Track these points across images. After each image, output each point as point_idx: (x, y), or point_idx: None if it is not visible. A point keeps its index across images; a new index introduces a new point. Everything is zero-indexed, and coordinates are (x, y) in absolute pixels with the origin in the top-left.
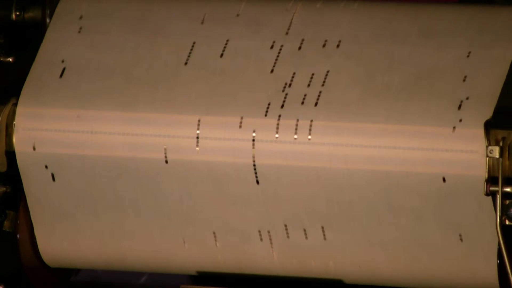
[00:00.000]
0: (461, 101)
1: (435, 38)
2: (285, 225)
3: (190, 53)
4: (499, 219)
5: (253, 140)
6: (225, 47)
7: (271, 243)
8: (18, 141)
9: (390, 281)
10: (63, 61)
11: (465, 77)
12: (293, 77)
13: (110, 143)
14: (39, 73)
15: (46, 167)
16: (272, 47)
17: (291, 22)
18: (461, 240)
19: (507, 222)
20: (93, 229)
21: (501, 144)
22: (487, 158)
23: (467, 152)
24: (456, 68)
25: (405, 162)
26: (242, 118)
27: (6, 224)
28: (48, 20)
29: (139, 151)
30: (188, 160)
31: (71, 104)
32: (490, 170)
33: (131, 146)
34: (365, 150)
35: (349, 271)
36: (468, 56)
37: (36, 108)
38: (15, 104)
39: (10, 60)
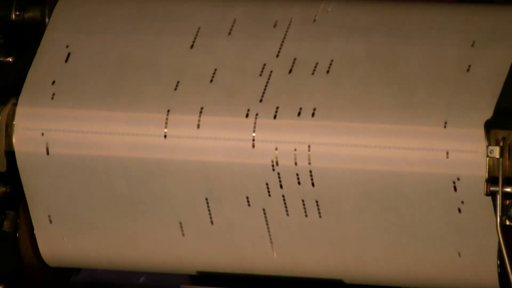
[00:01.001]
0: (462, 101)
1: (434, 38)
2: (284, 199)
3: (166, 123)
4: (499, 219)
5: (265, 214)
6: (200, 116)
7: (266, 221)
8: (18, 141)
9: (390, 281)
10: (61, 63)
11: (465, 77)
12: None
13: (110, 143)
14: (39, 73)
15: (46, 166)
16: (247, 115)
17: (265, 89)
18: (461, 240)
19: (507, 222)
20: (93, 229)
21: (501, 144)
22: (487, 158)
23: (467, 152)
24: (456, 68)
25: (405, 162)
26: (248, 198)
27: (6, 224)
28: (47, 20)
29: (139, 151)
30: (187, 160)
31: (71, 104)
32: (490, 170)
33: (131, 146)
34: (365, 150)
35: (349, 271)
36: (468, 55)
37: (36, 108)
38: (15, 104)
39: (10, 60)
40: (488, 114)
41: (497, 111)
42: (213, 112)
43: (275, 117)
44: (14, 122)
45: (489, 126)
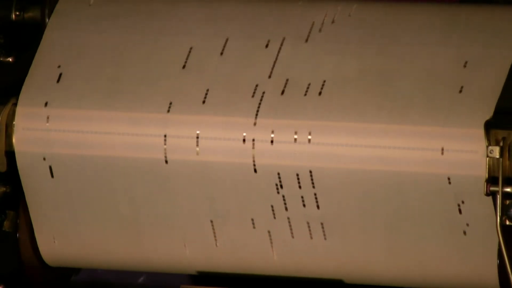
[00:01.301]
0: (461, 101)
1: (433, 38)
2: (289, 221)
3: (165, 148)
4: (499, 219)
5: (270, 237)
6: (197, 143)
7: (271, 243)
8: (18, 141)
9: (390, 281)
10: (60, 65)
11: (465, 77)
12: (279, 177)
13: (110, 143)
14: (39, 73)
15: (46, 166)
16: (244, 140)
17: (258, 110)
18: (461, 240)
19: (507, 222)
20: (93, 229)
21: (501, 144)
22: (487, 158)
23: (467, 152)
24: (456, 68)
25: (405, 162)
26: (253, 220)
27: (6, 224)
28: (47, 20)
29: (139, 151)
30: (188, 160)
31: (71, 104)
32: (490, 170)
33: (131, 146)
34: (365, 150)
35: (349, 271)
36: (468, 55)
37: (36, 108)
38: (15, 104)
39: (10, 60)
40: (488, 114)
41: (497, 111)
42: (210, 138)
43: (272, 142)
44: (14, 122)
45: (489, 126)
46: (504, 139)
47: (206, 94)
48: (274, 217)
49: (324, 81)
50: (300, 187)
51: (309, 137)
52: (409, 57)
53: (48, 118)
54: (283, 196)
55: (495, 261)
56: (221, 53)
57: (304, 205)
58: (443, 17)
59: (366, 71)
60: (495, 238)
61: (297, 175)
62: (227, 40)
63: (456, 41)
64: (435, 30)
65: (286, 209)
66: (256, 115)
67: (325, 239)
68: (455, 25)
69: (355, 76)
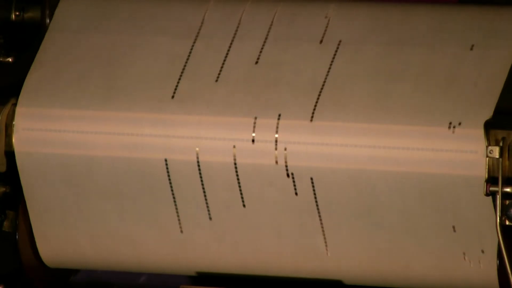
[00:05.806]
0: (461, 101)
1: (433, 38)
2: (288, 221)
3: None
4: (499, 219)
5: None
6: (197, 143)
7: (271, 243)
8: (17, 141)
9: (390, 281)
10: (60, 65)
11: (465, 77)
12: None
13: (110, 143)
14: (39, 73)
15: (46, 167)
16: (244, 141)
17: (254, 128)
18: (461, 240)
19: (507, 222)
20: (92, 229)
21: (501, 144)
22: (487, 158)
23: (467, 152)
24: (456, 68)
25: (405, 162)
26: (252, 219)
27: (6, 224)
28: (47, 20)
29: (139, 152)
30: (187, 160)
31: (71, 104)
32: (490, 170)
33: (131, 146)
34: (364, 150)
35: (349, 271)
36: (468, 56)
37: (36, 108)
38: (15, 104)
39: (10, 60)
40: (488, 114)
41: (497, 111)
42: (210, 138)
43: (274, 142)
44: (14, 122)
45: (489, 126)
46: (504, 139)
47: (207, 93)
48: (273, 217)
49: (324, 81)
50: (300, 187)
51: (309, 137)
52: (409, 58)
53: (48, 118)
54: (283, 197)
55: (495, 261)
56: (227, 52)
57: (304, 205)
58: (443, 17)
59: (367, 71)
60: (495, 238)
61: (298, 174)
62: (232, 39)
63: (456, 42)
64: (435, 31)
65: (286, 209)
66: (257, 115)
67: (325, 241)
68: (455, 25)
69: (355, 76)
